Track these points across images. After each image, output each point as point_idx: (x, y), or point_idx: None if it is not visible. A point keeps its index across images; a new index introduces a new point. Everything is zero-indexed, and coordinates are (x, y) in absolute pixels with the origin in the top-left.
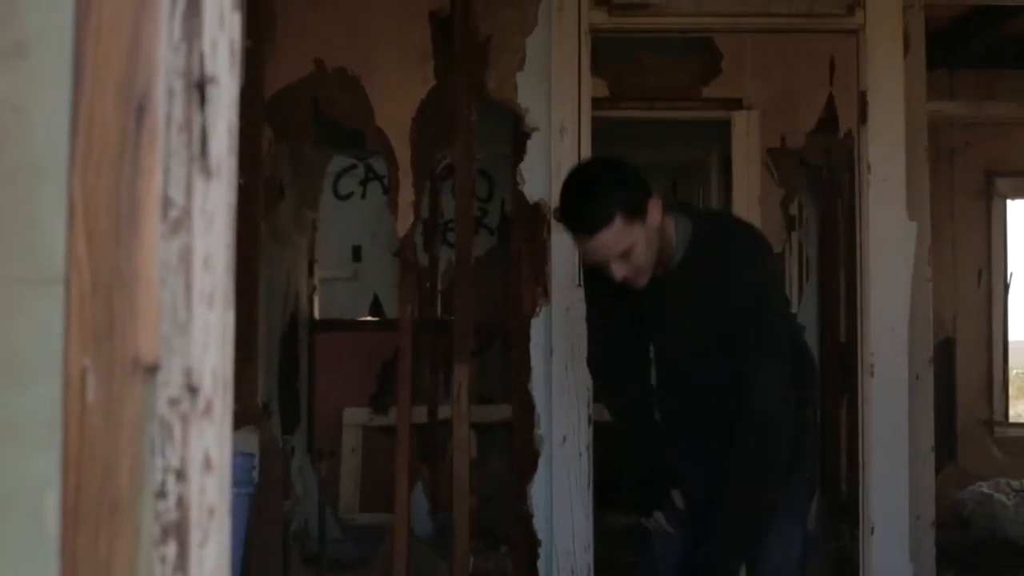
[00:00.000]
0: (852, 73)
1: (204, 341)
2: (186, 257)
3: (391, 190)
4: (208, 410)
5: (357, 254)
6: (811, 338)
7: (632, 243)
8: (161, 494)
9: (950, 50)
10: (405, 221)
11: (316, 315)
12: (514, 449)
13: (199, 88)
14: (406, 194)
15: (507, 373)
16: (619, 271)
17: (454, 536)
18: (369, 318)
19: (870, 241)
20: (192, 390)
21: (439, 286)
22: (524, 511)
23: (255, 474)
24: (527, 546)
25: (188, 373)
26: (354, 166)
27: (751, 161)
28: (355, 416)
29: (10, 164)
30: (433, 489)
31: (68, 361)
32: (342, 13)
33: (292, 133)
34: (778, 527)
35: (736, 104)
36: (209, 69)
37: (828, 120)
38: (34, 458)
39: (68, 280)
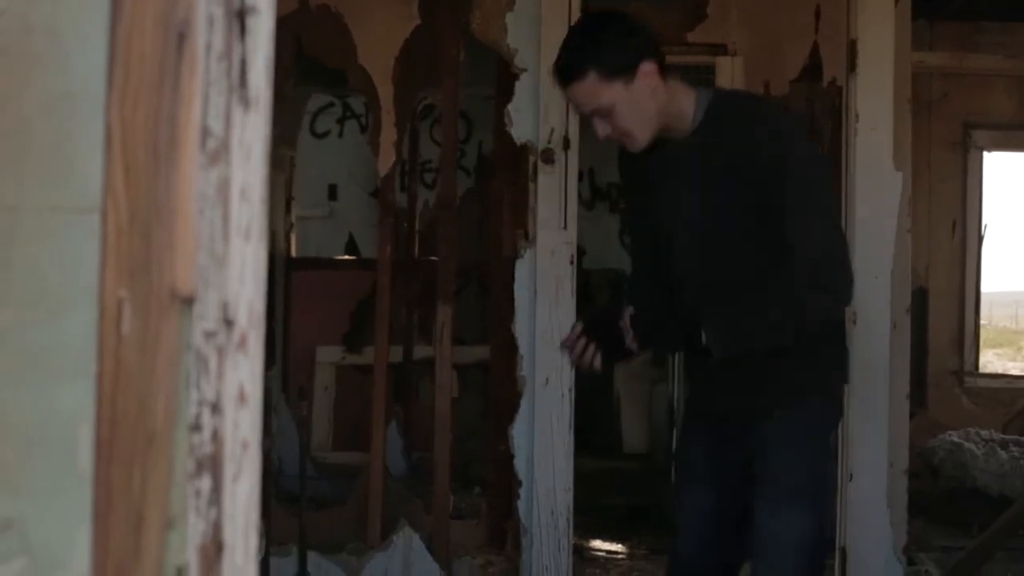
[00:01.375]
0: (838, 22)
1: (240, 274)
2: (224, 189)
3: (372, 129)
4: (243, 343)
5: (333, 193)
6: None
7: (611, 101)
8: (196, 427)
9: (931, 1)
10: (387, 161)
11: (292, 253)
12: (493, 390)
13: (239, 17)
14: (388, 134)
15: (489, 314)
16: (600, 128)
17: (435, 474)
18: (345, 257)
19: (856, 190)
20: (228, 323)
21: (416, 226)
22: (504, 452)
23: None
24: (506, 487)
25: (224, 306)
26: (332, 104)
27: None
28: (328, 354)
29: (47, 91)
30: (407, 428)
31: (104, 292)
32: None
33: (275, 70)
34: (799, 450)
35: (720, 49)
36: None
37: (812, 68)
38: (67, 390)
39: (105, 210)
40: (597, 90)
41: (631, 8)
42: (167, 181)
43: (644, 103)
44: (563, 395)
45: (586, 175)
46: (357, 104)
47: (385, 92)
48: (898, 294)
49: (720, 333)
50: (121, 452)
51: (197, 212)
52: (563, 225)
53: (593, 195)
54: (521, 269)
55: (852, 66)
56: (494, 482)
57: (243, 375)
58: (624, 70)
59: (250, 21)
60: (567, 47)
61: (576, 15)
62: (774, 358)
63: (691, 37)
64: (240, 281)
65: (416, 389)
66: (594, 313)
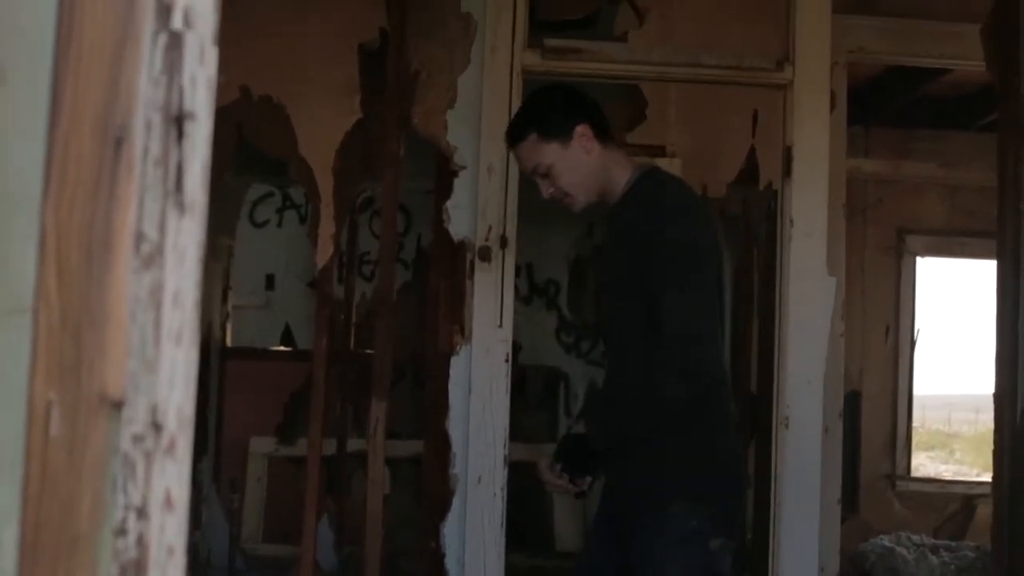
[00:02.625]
0: (775, 126)
1: (170, 378)
2: (157, 293)
3: (312, 221)
4: (171, 447)
5: (271, 282)
6: None
7: (550, 161)
8: (121, 532)
9: (867, 109)
10: (325, 252)
11: (228, 343)
12: (425, 487)
13: (177, 123)
14: (327, 225)
15: (423, 410)
16: (543, 188)
17: (366, 570)
18: (280, 348)
19: (790, 295)
20: (157, 427)
21: (354, 319)
22: (434, 550)
23: None
24: None
25: (153, 410)
26: (271, 194)
27: None
28: (261, 445)
29: None
30: (339, 522)
31: (33, 394)
32: (270, 41)
33: (215, 159)
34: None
35: (659, 151)
36: (188, 104)
37: (749, 171)
38: None
39: (36, 312)
40: (537, 150)
41: None
42: (100, 285)
43: (580, 163)
44: (495, 494)
45: (524, 270)
46: (297, 195)
47: (325, 184)
48: (831, 398)
49: (596, 418)
50: (45, 555)
51: (129, 316)
52: (499, 323)
53: (531, 291)
54: (456, 366)
55: (787, 171)
56: None
57: (170, 480)
58: (561, 132)
59: (188, 126)
60: (515, 114)
61: None
62: (632, 455)
63: (630, 138)
64: (170, 385)
65: (349, 482)
66: (565, 442)
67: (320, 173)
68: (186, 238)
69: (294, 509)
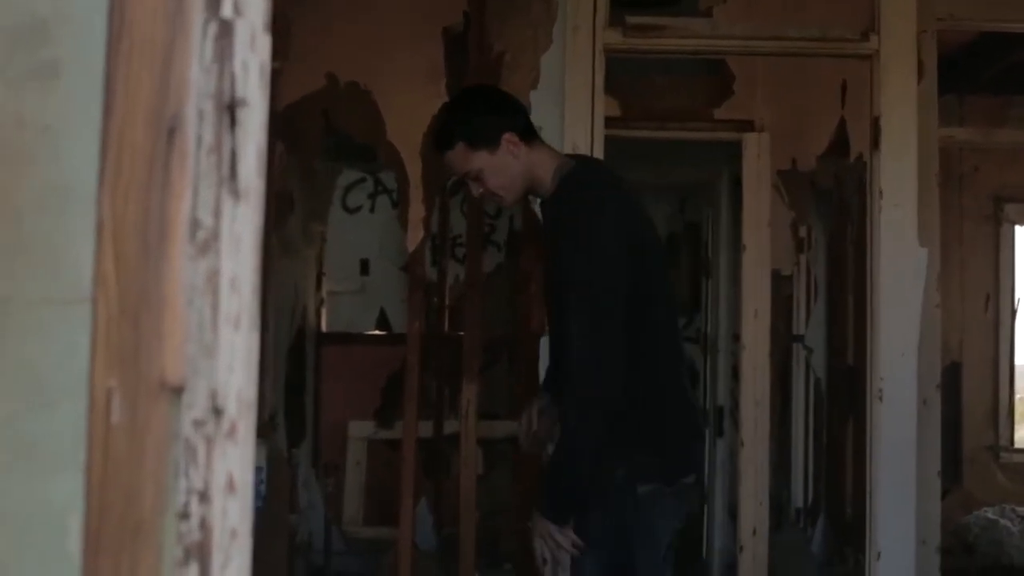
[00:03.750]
0: (864, 97)
1: (230, 363)
2: (213, 279)
3: (402, 205)
4: (232, 432)
5: (365, 267)
6: (818, 360)
7: (479, 167)
8: (184, 515)
9: (960, 76)
10: (415, 236)
11: (323, 328)
12: (519, 468)
13: (230, 110)
14: (416, 209)
15: (515, 389)
16: (473, 189)
17: (460, 552)
18: (375, 332)
19: (881, 267)
20: (217, 412)
21: (447, 301)
22: (529, 528)
23: (263, 488)
24: (531, 562)
25: (213, 395)
26: (363, 180)
27: (761, 183)
28: (360, 429)
29: (40, 184)
30: (437, 504)
31: (93, 382)
32: (355, 28)
33: (303, 146)
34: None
35: (747, 126)
36: (240, 91)
37: (839, 143)
38: (57, 480)
39: (95, 301)
40: (466, 157)
41: (657, 85)
42: (156, 272)
43: (508, 167)
44: None
45: None
46: (388, 180)
47: (413, 168)
48: (928, 370)
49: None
50: (109, 541)
51: (186, 302)
52: None
53: None
54: (545, 345)
55: (875, 143)
56: (522, 558)
57: (232, 464)
58: (488, 140)
59: (240, 114)
60: (441, 121)
61: (599, 92)
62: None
63: (718, 114)
64: (229, 370)
65: (448, 464)
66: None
67: (408, 157)
68: (242, 224)
69: (394, 492)
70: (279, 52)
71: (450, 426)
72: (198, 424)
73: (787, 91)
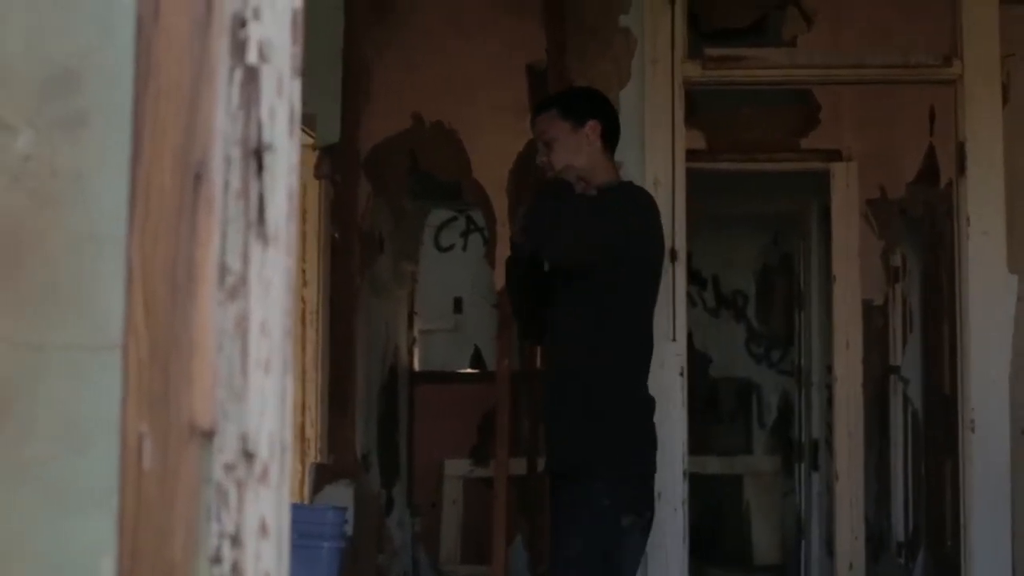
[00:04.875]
0: (951, 123)
1: (260, 407)
2: (243, 323)
3: (489, 243)
4: (264, 475)
5: (458, 306)
6: (915, 391)
7: (555, 136)
8: (216, 560)
9: None
10: (503, 273)
11: (416, 367)
12: None
13: (256, 155)
14: (504, 246)
15: None
16: (539, 154)
17: None
18: (469, 370)
19: (969, 295)
20: (248, 455)
21: None
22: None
23: (348, 528)
24: None
25: (244, 439)
26: (455, 218)
27: (850, 212)
28: (456, 468)
29: (71, 232)
30: (532, 541)
31: (125, 427)
32: (440, 67)
33: (390, 186)
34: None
35: (835, 155)
36: (267, 136)
37: (929, 171)
38: (91, 523)
39: (126, 347)
40: (551, 123)
41: (743, 117)
42: (185, 317)
43: (578, 150)
44: (676, 508)
45: (710, 283)
46: (480, 218)
47: (500, 205)
48: (1021, 398)
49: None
50: None
51: (216, 347)
52: (672, 337)
53: (718, 303)
54: None
55: (961, 169)
56: None
57: (265, 507)
58: (577, 116)
59: (267, 158)
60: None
61: (680, 125)
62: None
63: (804, 144)
64: (260, 414)
65: (543, 502)
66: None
67: (495, 195)
68: (271, 268)
69: (490, 530)
70: (359, 90)
71: (544, 463)
72: (229, 468)
73: (874, 119)
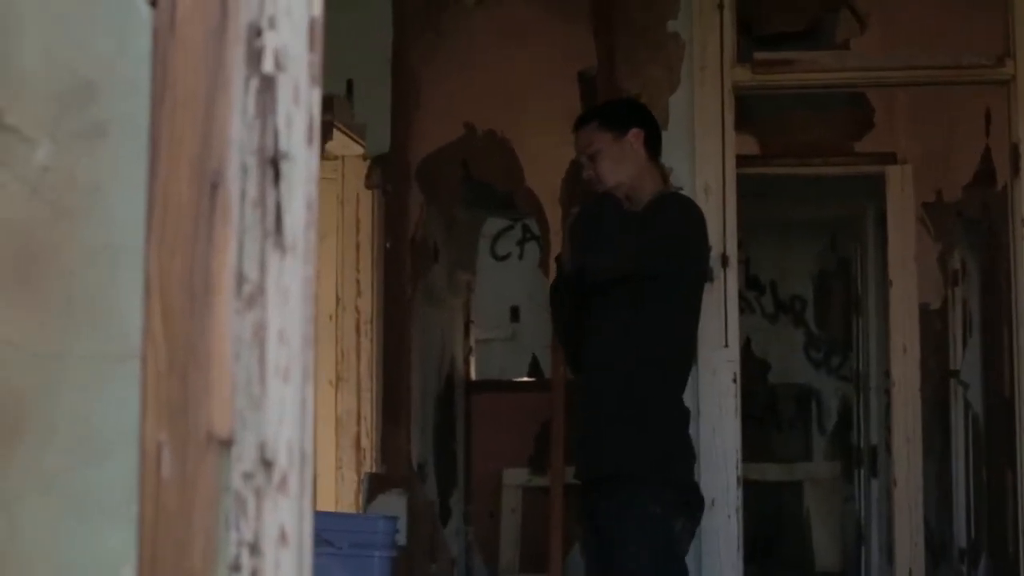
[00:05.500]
0: (1006, 124)
1: (279, 415)
2: (260, 332)
3: (543, 251)
4: (283, 484)
5: (515, 315)
6: (975, 395)
7: (599, 148)
8: (235, 568)
9: None
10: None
11: (473, 376)
12: None
13: (273, 164)
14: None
15: None
16: (585, 170)
17: None
18: (526, 379)
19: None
20: (267, 464)
21: None
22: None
23: (399, 537)
24: None
25: (262, 447)
26: (511, 227)
27: (906, 216)
28: (514, 477)
29: (91, 243)
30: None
31: (144, 436)
32: (491, 75)
33: (443, 196)
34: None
35: (890, 158)
36: (284, 145)
37: (985, 173)
38: (111, 532)
39: (144, 356)
40: (593, 136)
41: (796, 121)
42: (203, 326)
43: (623, 159)
44: (730, 516)
45: (768, 288)
46: (536, 226)
47: (553, 213)
48: None
49: None
50: None
51: (233, 356)
52: (725, 343)
53: (776, 309)
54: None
55: (1015, 170)
56: None
57: (284, 516)
58: (618, 126)
59: (284, 167)
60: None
61: (730, 130)
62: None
63: (858, 147)
64: (279, 422)
65: None
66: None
67: (548, 203)
68: (289, 277)
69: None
70: (409, 101)
71: None
72: (247, 477)
73: (929, 121)
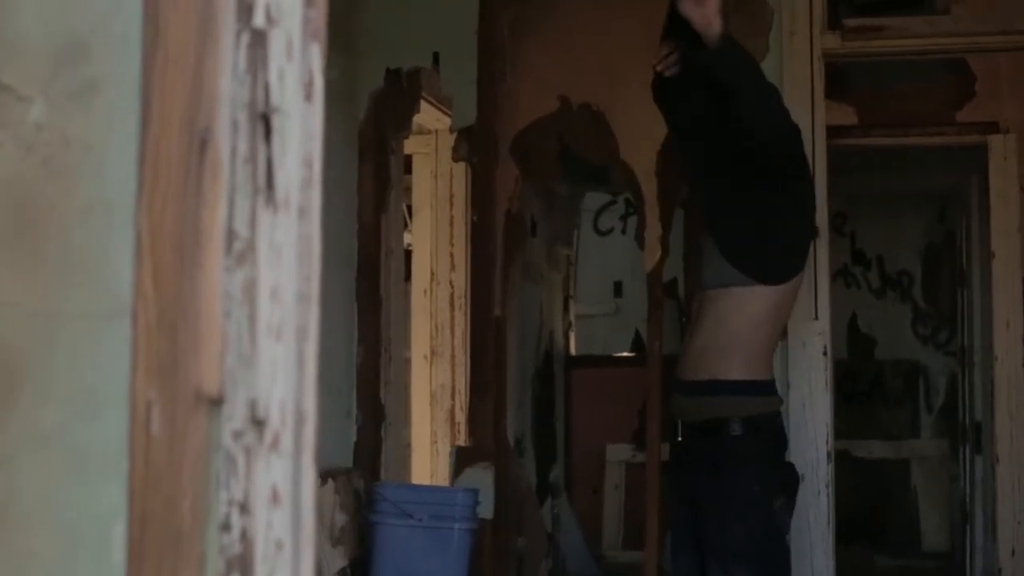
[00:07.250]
0: None
1: (271, 373)
2: (251, 290)
3: (638, 225)
4: (275, 443)
5: (618, 289)
6: None
7: None
8: (225, 527)
9: None
10: (653, 256)
11: (573, 351)
12: None
13: (264, 120)
14: (653, 228)
15: None
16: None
17: None
18: (627, 354)
19: None
20: (257, 423)
21: None
22: None
23: (481, 510)
24: None
25: (253, 406)
26: (614, 202)
27: (1009, 186)
28: (617, 452)
29: (83, 201)
30: None
31: (134, 394)
32: (586, 49)
33: (539, 170)
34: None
35: (992, 127)
36: (275, 101)
37: None
38: (102, 489)
39: (135, 313)
40: None
41: (895, 88)
42: (192, 284)
43: None
44: (820, 491)
45: (875, 263)
46: None
47: (648, 187)
48: None
49: None
50: (152, 550)
51: (223, 313)
52: (815, 316)
53: (883, 284)
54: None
55: None
56: None
57: (276, 475)
58: None
59: (276, 122)
60: None
61: (820, 99)
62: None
63: (960, 116)
64: (271, 380)
65: None
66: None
67: (643, 177)
68: (282, 234)
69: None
70: (498, 74)
71: None
72: (237, 435)
73: None
